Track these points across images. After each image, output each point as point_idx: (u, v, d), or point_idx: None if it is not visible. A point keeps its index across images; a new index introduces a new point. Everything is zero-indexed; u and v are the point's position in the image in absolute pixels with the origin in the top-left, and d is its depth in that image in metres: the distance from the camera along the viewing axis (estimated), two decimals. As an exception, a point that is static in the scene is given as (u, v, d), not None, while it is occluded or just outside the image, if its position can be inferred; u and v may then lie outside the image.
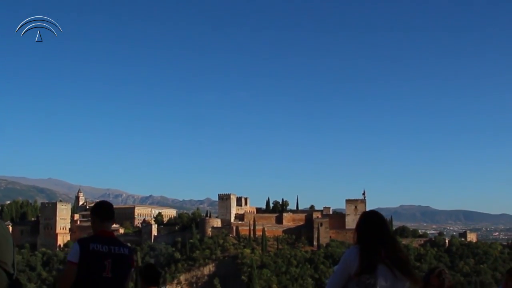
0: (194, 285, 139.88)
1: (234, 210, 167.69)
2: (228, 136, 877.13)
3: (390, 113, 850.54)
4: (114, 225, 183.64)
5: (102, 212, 5.80)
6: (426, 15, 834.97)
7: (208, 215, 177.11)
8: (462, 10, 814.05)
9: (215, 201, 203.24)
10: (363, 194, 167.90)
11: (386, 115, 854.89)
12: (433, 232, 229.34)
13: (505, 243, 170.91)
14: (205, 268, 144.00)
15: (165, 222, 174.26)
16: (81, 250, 5.32)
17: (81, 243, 5.43)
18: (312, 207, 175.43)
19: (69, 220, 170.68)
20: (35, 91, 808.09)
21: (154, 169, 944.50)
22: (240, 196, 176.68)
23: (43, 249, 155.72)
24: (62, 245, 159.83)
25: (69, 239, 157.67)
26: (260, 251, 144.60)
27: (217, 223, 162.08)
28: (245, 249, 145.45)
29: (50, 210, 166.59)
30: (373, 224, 4.90)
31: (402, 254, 4.84)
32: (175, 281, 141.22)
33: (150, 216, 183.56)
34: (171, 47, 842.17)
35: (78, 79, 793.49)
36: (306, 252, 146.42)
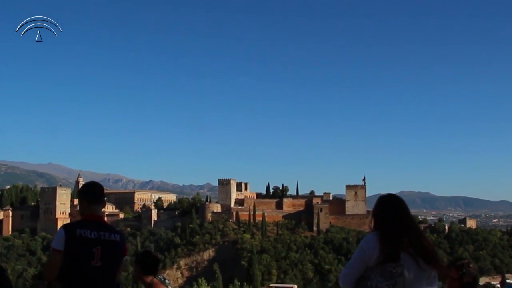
0: (194, 270, 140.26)
1: (234, 195, 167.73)
2: (228, 121, 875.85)
3: (390, 99, 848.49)
4: (113, 210, 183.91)
5: (90, 194, 5.09)
6: None
7: (208, 200, 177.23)
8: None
9: (215, 186, 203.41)
10: (363, 180, 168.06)
11: (387, 101, 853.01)
12: (432, 218, 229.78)
13: (504, 230, 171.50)
14: (205, 253, 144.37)
15: (165, 207, 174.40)
16: (66, 236, 4.70)
17: (67, 228, 4.79)
18: (312, 192, 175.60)
19: (69, 205, 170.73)
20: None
21: (154, 154, 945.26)
22: (240, 181, 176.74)
23: (43, 233, 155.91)
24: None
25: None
26: (260, 236, 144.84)
27: (217, 208, 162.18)
28: (245, 234, 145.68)
29: (50, 195, 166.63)
30: (393, 209, 4.40)
31: (426, 241, 4.33)
32: (175, 266, 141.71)
33: (150, 201, 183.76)
34: (170, 32, 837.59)
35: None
36: (306, 237, 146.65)
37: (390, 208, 4.40)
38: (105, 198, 5.44)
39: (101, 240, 4.81)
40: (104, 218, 5.24)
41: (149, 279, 5.88)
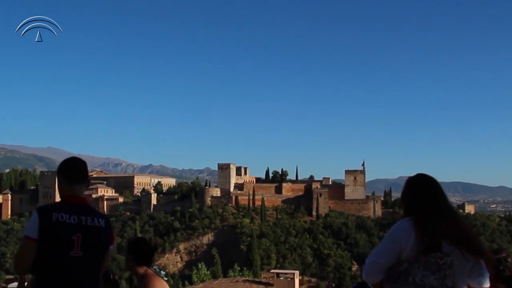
0: (193, 254, 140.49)
1: (233, 179, 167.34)
2: (228, 105, 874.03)
3: (389, 84, 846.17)
4: (113, 194, 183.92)
5: (70, 171, 4.12)
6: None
7: (208, 184, 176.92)
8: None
9: (215, 170, 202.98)
10: (363, 165, 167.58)
11: (386, 86, 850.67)
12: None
13: (502, 215, 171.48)
14: (204, 237, 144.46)
15: (164, 191, 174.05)
16: (41, 221, 3.76)
17: (41, 212, 3.84)
18: (311, 177, 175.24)
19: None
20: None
21: (154, 138, 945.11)
22: (239, 165, 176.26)
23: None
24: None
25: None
26: (259, 221, 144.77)
27: (217, 192, 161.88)
28: (244, 219, 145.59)
29: (49, 178, 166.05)
30: (428, 191, 3.66)
31: (468, 227, 3.58)
32: (174, 250, 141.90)
33: (150, 185, 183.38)
34: (171, 17, 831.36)
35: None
36: (305, 222, 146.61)
37: (423, 190, 3.67)
38: (89, 177, 4.36)
39: (82, 226, 3.91)
40: (87, 201, 4.22)
41: (142, 269, 4.91)
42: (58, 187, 4.17)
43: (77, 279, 3.89)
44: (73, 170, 4.14)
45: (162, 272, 5.02)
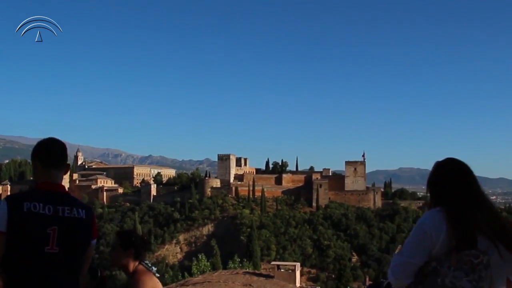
0: (193, 245, 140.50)
1: (233, 170, 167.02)
2: (228, 96, 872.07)
3: (390, 76, 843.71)
4: (112, 185, 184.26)
5: (46, 154, 3.49)
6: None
7: (208, 175, 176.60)
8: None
9: (215, 161, 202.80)
10: (363, 156, 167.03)
11: (386, 78, 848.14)
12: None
13: (502, 207, 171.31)
14: (204, 228, 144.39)
15: (164, 182, 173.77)
16: (10, 211, 3.14)
17: (11, 201, 3.22)
18: (311, 168, 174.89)
19: (68, 180, 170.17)
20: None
21: (153, 129, 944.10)
22: (239, 156, 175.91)
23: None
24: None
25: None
26: (259, 212, 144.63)
27: (216, 183, 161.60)
28: (244, 210, 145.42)
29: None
30: (460, 178, 3.08)
31: (506, 220, 3.03)
32: (174, 241, 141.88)
33: (149, 176, 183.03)
34: (170, 8, 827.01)
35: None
36: (305, 213, 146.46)
37: (456, 177, 3.08)
38: (68, 162, 3.71)
39: (59, 217, 3.29)
40: (65, 188, 3.58)
41: (133, 265, 4.23)
42: (33, 173, 3.58)
43: (53, 279, 3.24)
44: (50, 153, 3.50)
45: (153, 268, 4.41)
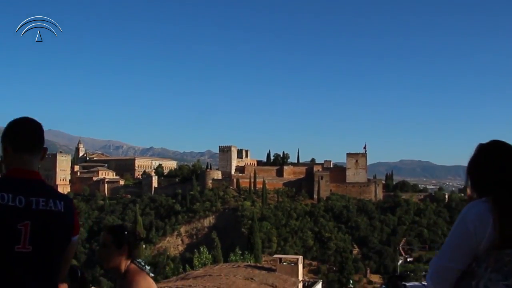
0: (194, 237, 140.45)
1: (234, 162, 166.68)
2: (229, 88, 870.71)
3: (391, 68, 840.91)
4: (114, 177, 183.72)
5: (18, 137, 2.88)
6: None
7: (209, 167, 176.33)
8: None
9: (216, 153, 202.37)
10: (364, 148, 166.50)
11: (388, 69, 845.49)
12: (433, 187, 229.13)
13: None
14: (205, 220, 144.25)
15: (165, 174, 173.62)
16: None
17: None
18: (313, 160, 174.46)
19: (69, 172, 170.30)
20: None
21: (155, 121, 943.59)
22: (241, 148, 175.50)
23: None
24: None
25: (69, 190, 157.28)
26: (261, 204, 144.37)
27: (218, 175, 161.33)
28: (246, 202, 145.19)
29: (50, 161, 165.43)
30: (509, 162, 2.56)
31: None
32: (175, 233, 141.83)
33: (151, 167, 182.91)
34: (173, 0, 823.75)
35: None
36: (306, 205, 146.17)
37: (503, 161, 2.58)
38: (44, 145, 3.01)
39: (32, 210, 2.72)
40: (40, 176, 2.94)
41: (124, 264, 3.70)
42: (3, 158, 2.90)
43: (24, 284, 2.67)
44: (23, 135, 2.88)
45: (147, 267, 3.93)
